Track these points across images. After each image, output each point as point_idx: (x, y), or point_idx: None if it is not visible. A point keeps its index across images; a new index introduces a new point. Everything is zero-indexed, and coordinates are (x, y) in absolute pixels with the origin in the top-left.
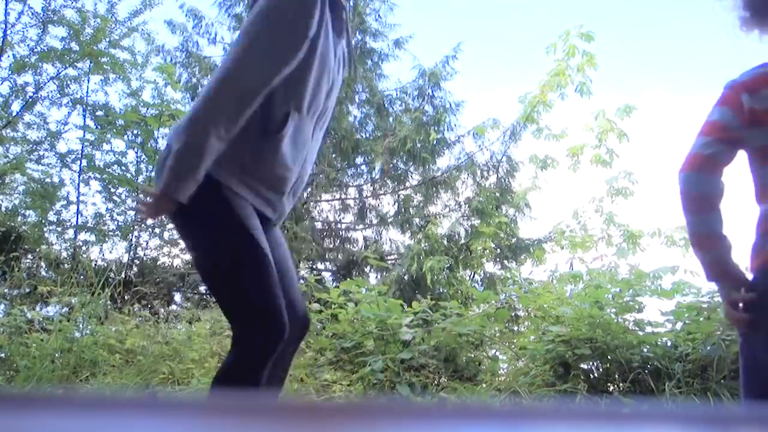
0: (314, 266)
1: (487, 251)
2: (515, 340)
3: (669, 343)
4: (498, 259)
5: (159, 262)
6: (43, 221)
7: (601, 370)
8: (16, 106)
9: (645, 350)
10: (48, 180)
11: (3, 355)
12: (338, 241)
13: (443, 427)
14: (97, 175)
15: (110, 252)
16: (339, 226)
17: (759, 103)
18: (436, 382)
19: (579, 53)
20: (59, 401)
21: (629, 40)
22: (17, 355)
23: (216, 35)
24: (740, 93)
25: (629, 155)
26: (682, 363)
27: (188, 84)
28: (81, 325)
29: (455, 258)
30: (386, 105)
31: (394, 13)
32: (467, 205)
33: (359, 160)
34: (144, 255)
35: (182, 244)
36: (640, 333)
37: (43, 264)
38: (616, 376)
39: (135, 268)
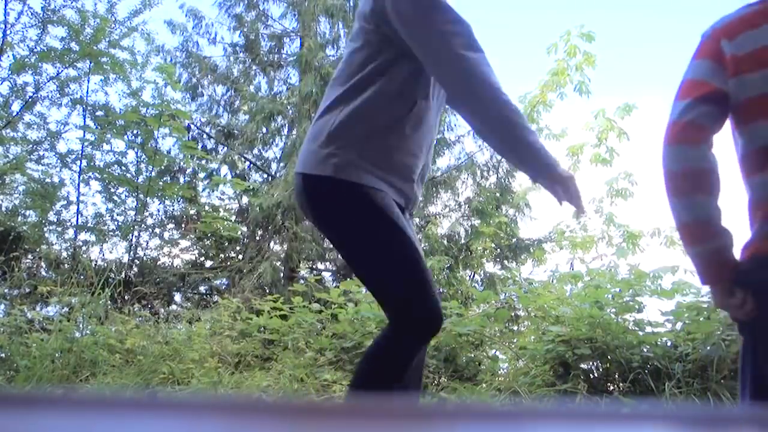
0: (314, 266)
1: (487, 251)
2: (515, 340)
3: (669, 343)
4: (498, 259)
5: (159, 262)
6: (43, 221)
7: (601, 370)
8: (16, 106)
9: (645, 350)
10: (48, 180)
11: (3, 355)
12: None
13: (443, 427)
14: (97, 175)
15: (110, 252)
16: None
17: (740, 48)
18: (436, 382)
19: (579, 53)
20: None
21: (629, 40)
22: (17, 355)
23: (216, 35)
24: (719, 40)
25: (629, 154)
26: (682, 363)
27: (188, 84)
28: (81, 325)
29: (455, 258)
30: None
31: None
32: (467, 205)
33: None
34: (144, 255)
35: (183, 244)
36: (640, 333)
37: (43, 264)
38: (616, 376)
39: (135, 268)
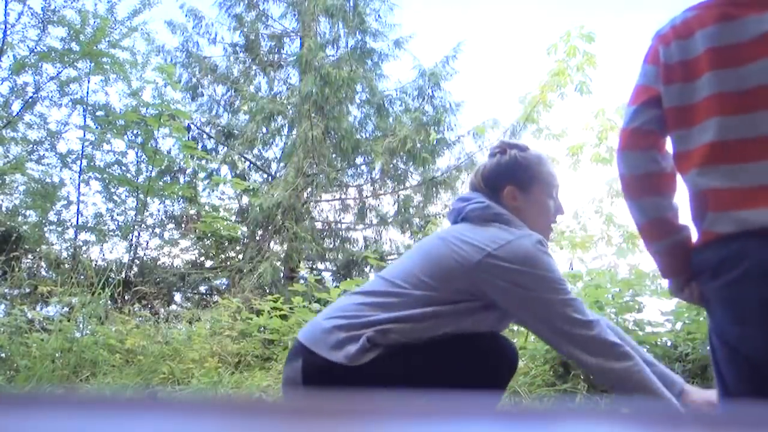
0: (314, 266)
1: None
2: (515, 340)
3: (669, 343)
4: None
5: (159, 262)
6: (44, 221)
7: None
8: (16, 106)
9: (645, 350)
10: (48, 180)
11: (3, 355)
12: (338, 241)
13: (443, 427)
14: (97, 175)
15: (110, 252)
16: (339, 226)
17: (669, 57)
18: None
19: (579, 54)
20: (59, 401)
21: (629, 40)
22: (17, 355)
23: (216, 35)
24: (658, 45)
25: None
26: (682, 363)
27: (188, 84)
28: (81, 325)
29: None
30: (386, 105)
31: (394, 13)
32: None
33: (359, 160)
34: (144, 255)
35: (183, 244)
36: (640, 333)
37: (43, 264)
38: None
39: (135, 268)
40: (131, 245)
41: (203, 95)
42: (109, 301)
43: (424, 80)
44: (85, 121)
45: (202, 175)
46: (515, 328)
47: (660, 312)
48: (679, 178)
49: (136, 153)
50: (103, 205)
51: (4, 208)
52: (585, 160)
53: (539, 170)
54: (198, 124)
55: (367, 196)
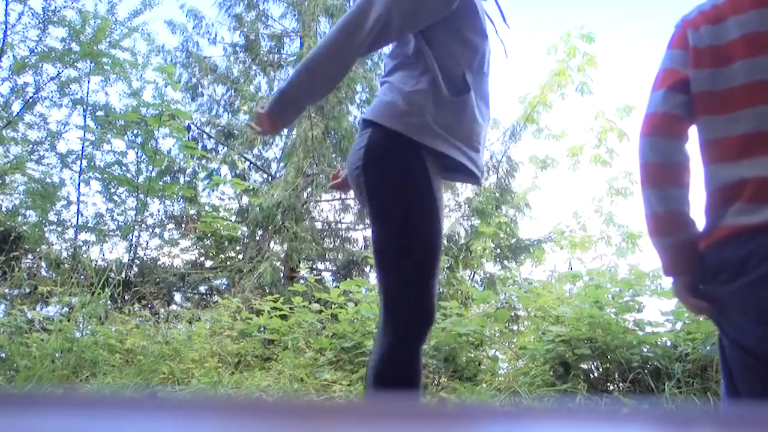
0: (314, 266)
1: (487, 251)
2: (515, 340)
3: (669, 343)
4: (498, 259)
5: (159, 262)
6: (44, 221)
7: (601, 370)
8: (16, 107)
9: (645, 350)
10: (48, 180)
11: (3, 355)
12: (338, 241)
13: (443, 427)
14: (97, 175)
15: (110, 252)
16: (339, 226)
17: (700, 41)
18: (436, 382)
19: (579, 54)
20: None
21: (630, 40)
22: (17, 355)
23: (216, 35)
24: (686, 29)
25: (629, 155)
26: (682, 363)
27: (188, 84)
28: (81, 325)
29: (455, 258)
30: None
31: None
32: (467, 205)
33: None
34: (144, 255)
35: (183, 244)
36: (640, 333)
37: (43, 264)
38: (616, 376)
39: (135, 268)
40: (131, 245)
41: (203, 95)
42: (109, 301)
43: None
44: (85, 121)
45: (202, 175)
46: (515, 328)
47: (660, 312)
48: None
49: (136, 153)
50: (103, 205)
51: (4, 208)
52: (585, 161)
53: None
54: (198, 124)
55: None
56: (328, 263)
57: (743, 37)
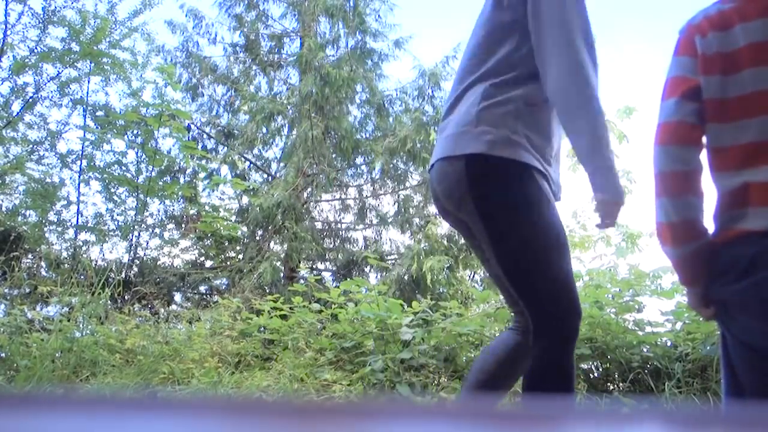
0: (314, 266)
1: None
2: None
3: (669, 343)
4: None
5: (159, 262)
6: (44, 221)
7: (601, 369)
8: (16, 107)
9: (645, 350)
10: (48, 180)
11: (3, 355)
12: (338, 241)
13: (443, 427)
14: (97, 175)
15: (110, 252)
16: (339, 226)
17: (708, 48)
18: (436, 382)
19: None
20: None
21: (630, 41)
22: (17, 355)
23: (216, 35)
24: (693, 36)
25: (629, 156)
26: (682, 363)
27: (188, 84)
28: (81, 325)
29: (455, 258)
30: (386, 105)
31: (394, 13)
32: None
33: (359, 160)
34: (144, 255)
35: (183, 244)
36: (640, 333)
37: (43, 264)
38: (616, 376)
39: (135, 268)
40: (131, 245)
41: (203, 95)
42: (109, 301)
43: (424, 80)
44: (85, 121)
45: (202, 175)
46: None
47: (660, 312)
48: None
49: (136, 153)
50: (103, 205)
51: (4, 208)
52: None
53: None
54: (198, 124)
55: (367, 196)
56: (328, 263)
57: (750, 46)
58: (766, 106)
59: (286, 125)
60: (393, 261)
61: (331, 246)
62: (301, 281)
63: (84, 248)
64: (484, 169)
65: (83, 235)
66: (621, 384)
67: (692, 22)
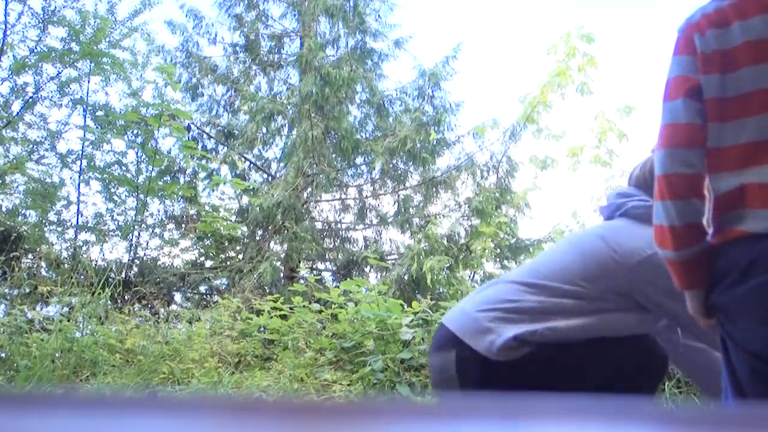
0: (314, 266)
1: (487, 251)
2: None
3: None
4: (498, 259)
5: (159, 262)
6: (44, 221)
7: None
8: (16, 107)
9: None
10: (48, 180)
11: (3, 355)
12: (338, 241)
13: (443, 427)
14: (98, 175)
15: (110, 252)
16: (339, 226)
17: (707, 46)
18: None
19: (580, 54)
20: (59, 401)
21: (630, 40)
22: (17, 355)
23: (216, 35)
24: (692, 34)
25: (629, 155)
26: None
27: (188, 84)
28: (81, 325)
29: (455, 258)
30: (386, 105)
31: (394, 13)
32: (467, 205)
33: (359, 160)
34: (144, 255)
35: (183, 244)
36: None
37: (43, 264)
38: None
39: (135, 268)
40: (131, 245)
41: (203, 95)
42: (109, 301)
43: (424, 80)
44: (85, 121)
45: (202, 175)
46: None
47: None
48: None
49: (136, 153)
50: (103, 205)
51: (4, 208)
52: (585, 161)
53: None
54: (198, 124)
55: (367, 196)
56: (328, 263)
57: (749, 43)
58: (765, 104)
59: (286, 125)
60: (393, 261)
61: (331, 246)
62: (301, 281)
63: (84, 248)
64: None
65: (83, 235)
66: None
67: (691, 21)
